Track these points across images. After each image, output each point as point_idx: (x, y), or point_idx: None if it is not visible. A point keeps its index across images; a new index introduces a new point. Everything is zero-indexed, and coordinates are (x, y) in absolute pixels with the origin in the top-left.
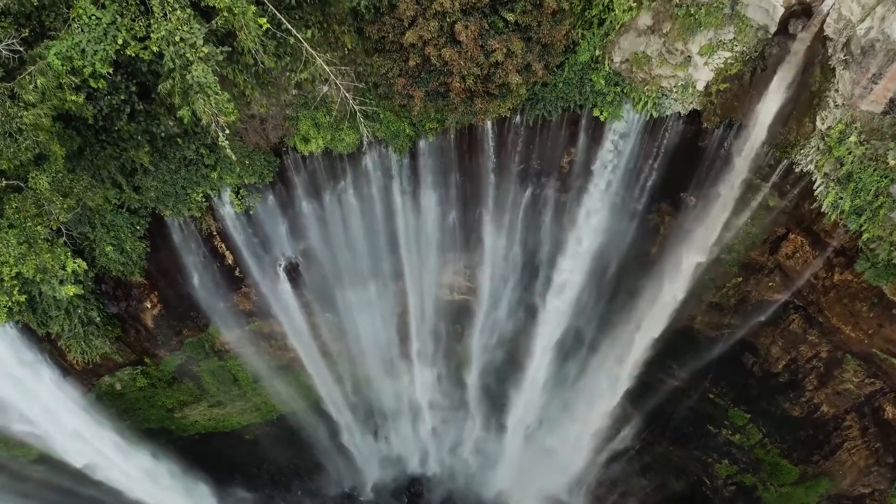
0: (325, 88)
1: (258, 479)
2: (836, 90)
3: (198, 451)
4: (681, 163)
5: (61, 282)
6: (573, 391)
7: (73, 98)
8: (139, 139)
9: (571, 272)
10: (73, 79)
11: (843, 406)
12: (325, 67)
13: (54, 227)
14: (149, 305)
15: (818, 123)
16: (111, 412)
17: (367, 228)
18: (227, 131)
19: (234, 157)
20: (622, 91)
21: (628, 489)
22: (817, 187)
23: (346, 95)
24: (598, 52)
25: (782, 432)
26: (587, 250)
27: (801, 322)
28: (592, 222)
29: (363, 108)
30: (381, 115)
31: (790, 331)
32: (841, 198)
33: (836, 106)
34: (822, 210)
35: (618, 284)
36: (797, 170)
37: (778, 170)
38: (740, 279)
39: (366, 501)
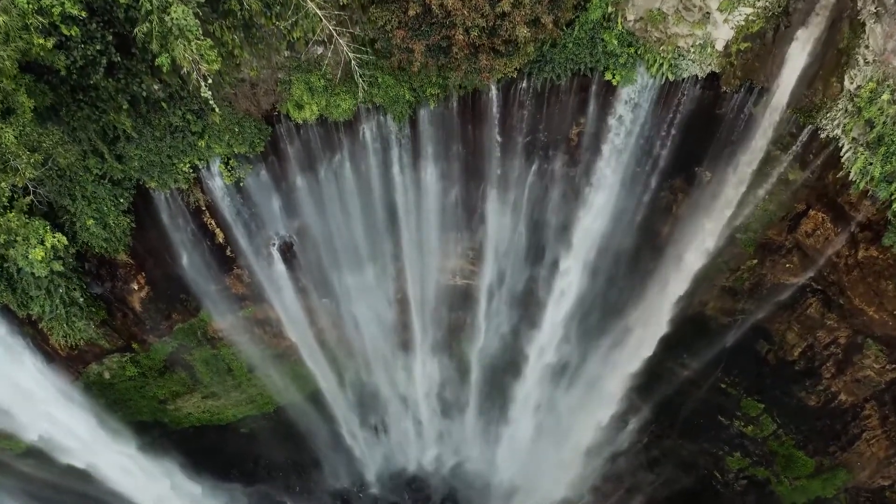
0: (320, 50)
1: (254, 474)
2: (867, 46)
3: (192, 446)
4: (696, 133)
5: (30, 247)
6: (579, 381)
7: (41, 42)
8: (119, 100)
9: (579, 255)
10: (41, 19)
11: (862, 394)
12: (318, 12)
13: (20, 185)
14: (136, 287)
15: (846, 83)
16: (100, 403)
17: (364, 205)
18: (210, 81)
19: (217, 109)
20: (636, 52)
21: (635, 484)
22: (844, 153)
23: (339, 41)
24: (610, 10)
25: (797, 423)
26: (596, 230)
27: (818, 306)
28: (601, 200)
29: (359, 56)
30: (380, 79)
31: (807, 315)
32: (870, 164)
33: (867, 63)
34: (850, 179)
35: (627, 268)
36: (822, 136)
37: (801, 138)
38: (756, 261)
39: (366, 498)
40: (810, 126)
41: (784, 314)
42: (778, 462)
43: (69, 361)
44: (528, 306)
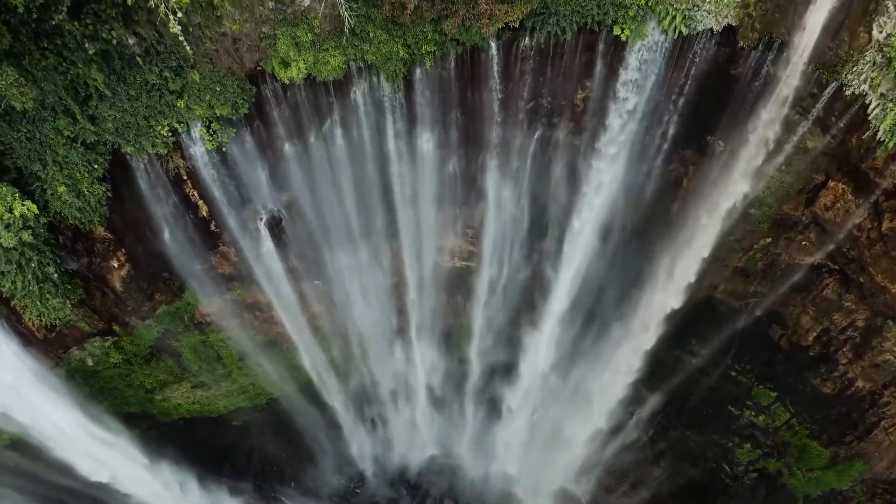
0: (307, 1)
1: (247, 469)
2: None
3: (183, 438)
4: (709, 98)
5: None
6: (583, 370)
7: None
8: (87, 48)
9: (584, 232)
10: None
11: (881, 380)
12: None
13: None
14: (115, 264)
15: (875, 33)
16: (84, 392)
17: (356, 177)
18: (180, 15)
19: (189, 50)
20: (646, 3)
21: (640, 478)
22: (871, 111)
23: None
24: None
25: (812, 411)
26: (602, 205)
27: (835, 286)
28: (608, 172)
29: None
30: (371, 34)
31: (823, 297)
32: None
33: None
34: (877, 139)
35: (635, 248)
36: (847, 93)
37: (823, 97)
38: (769, 239)
39: (362, 494)
40: (834, 83)
41: (798, 297)
42: (790, 453)
43: (48, 345)
44: (530, 291)
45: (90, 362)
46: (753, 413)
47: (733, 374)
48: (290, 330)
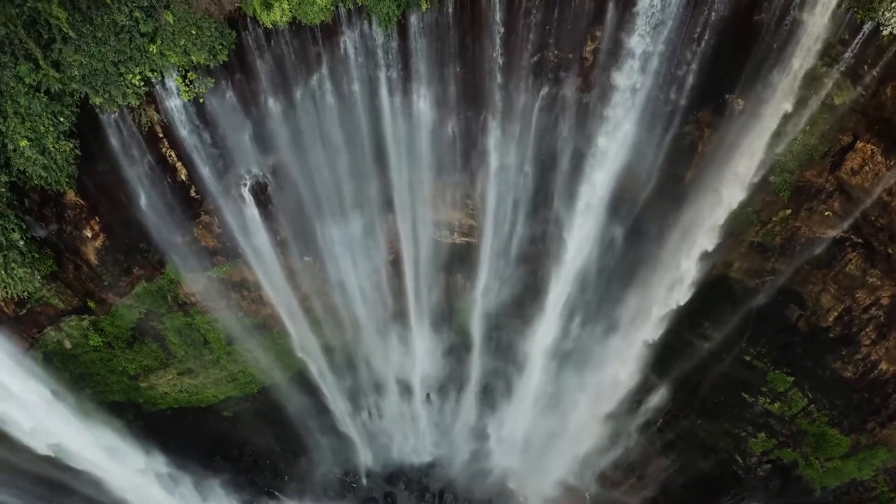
0: None
1: (240, 461)
2: None
3: (171, 430)
4: (729, 50)
5: None
6: (589, 356)
7: None
8: None
9: (591, 204)
10: None
11: None
12: None
13: None
14: (89, 234)
15: None
16: (64, 377)
17: (348, 139)
18: None
19: None
20: None
21: (648, 471)
22: None
23: None
24: None
25: (831, 397)
26: (611, 171)
27: (859, 261)
28: (619, 134)
29: None
30: None
31: (846, 273)
32: None
33: None
34: None
35: (645, 220)
36: (884, 34)
37: (855, 43)
38: (789, 211)
39: (358, 488)
40: (869, 22)
41: (818, 274)
42: (807, 442)
43: (20, 324)
44: (534, 267)
45: (68, 344)
46: (768, 400)
47: (747, 358)
48: (280, 311)
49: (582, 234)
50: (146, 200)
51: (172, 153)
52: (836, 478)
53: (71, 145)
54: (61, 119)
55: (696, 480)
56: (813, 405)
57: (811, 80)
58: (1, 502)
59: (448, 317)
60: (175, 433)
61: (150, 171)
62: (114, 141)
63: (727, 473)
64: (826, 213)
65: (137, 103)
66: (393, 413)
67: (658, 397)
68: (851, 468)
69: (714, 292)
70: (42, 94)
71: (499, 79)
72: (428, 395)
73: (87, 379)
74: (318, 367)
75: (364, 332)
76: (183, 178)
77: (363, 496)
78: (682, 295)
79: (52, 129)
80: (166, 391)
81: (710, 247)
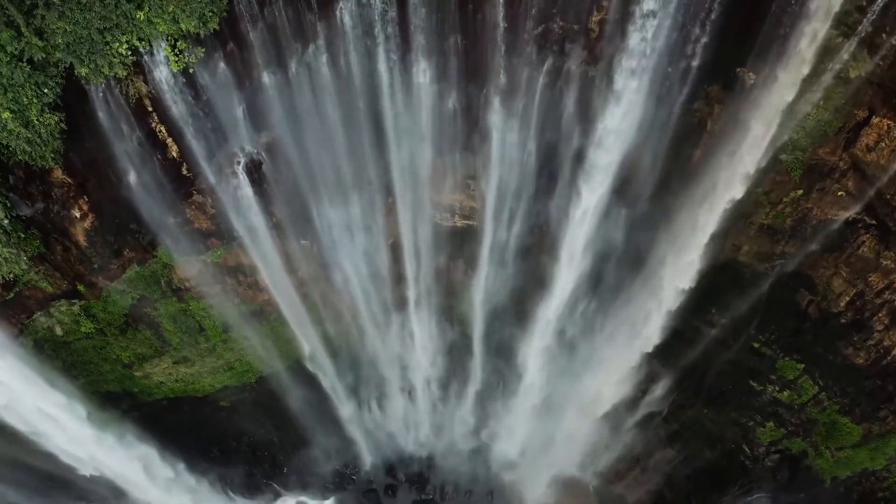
0: None
1: (238, 453)
2: None
3: (167, 420)
4: (741, 20)
5: None
6: (593, 347)
7: None
8: None
9: (596, 183)
10: None
11: None
12: None
13: None
14: (77, 214)
15: None
16: (56, 365)
17: (345, 115)
18: None
19: None
20: None
21: (652, 462)
22: None
23: None
24: None
25: (842, 384)
26: (618, 149)
27: (873, 243)
28: (625, 108)
29: None
30: None
31: (858, 256)
32: None
33: None
34: None
35: (651, 202)
36: None
37: (873, 9)
38: (801, 191)
39: (359, 480)
40: None
41: (830, 257)
42: (818, 431)
43: (8, 309)
44: (537, 253)
45: (59, 331)
46: (777, 388)
47: (756, 345)
48: (277, 298)
49: (587, 215)
50: (136, 178)
51: (162, 128)
52: (847, 468)
53: (56, 118)
54: (45, 90)
55: (701, 472)
56: (823, 393)
57: (826, 52)
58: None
59: (449, 304)
60: (171, 424)
61: (139, 147)
62: (101, 115)
63: (734, 464)
64: (839, 193)
65: (125, 74)
66: (393, 403)
67: (663, 387)
68: (863, 458)
69: (722, 277)
70: (25, 64)
71: (501, 51)
72: (429, 385)
73: (79, 367)
74: (316, 356)
75: (363, 318)
76: (174, 154)
77: (363, 488)
78: (688, 279)
79: (35, 100)
80: (162, 380)
81: (715, 230)
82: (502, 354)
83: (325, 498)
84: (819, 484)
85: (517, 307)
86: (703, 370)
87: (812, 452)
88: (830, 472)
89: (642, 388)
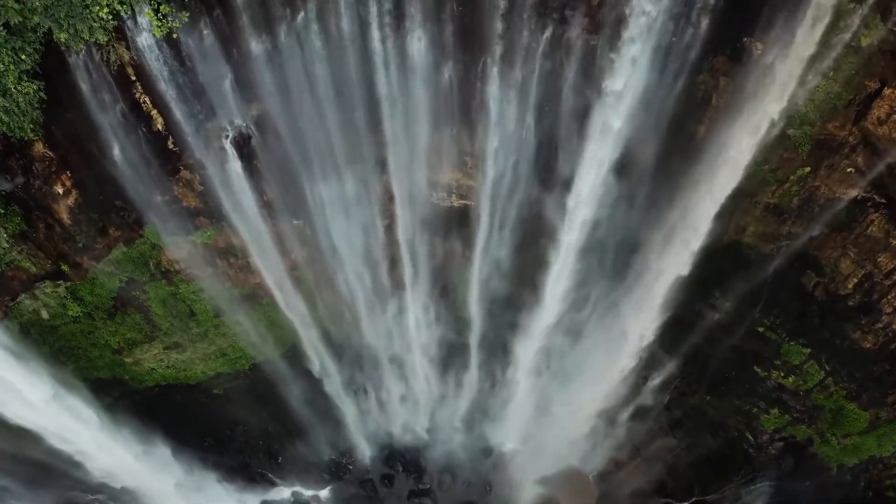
0: None
1: (231, 442)
2: None
3: (159, 408)
4: None
5: None
6: (593, 331)
7: None
8: None
9: (598, 156)
10: None
11: None
12: None
13: None
14: (60, 190)
15: None
16: (43, 351)
17: (337, 86)
18: None
19: None
20: None
21: (654, 450)
22: None
23: None
24: None
25: (850, 369)
26: (620, 124)
27: (882, 222)
28: (627, 80)
29: None
30: None
31: (867, 236)
32: None
33: None
34: None
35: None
36: None
37: None
38: (808, 169)
39: (355, 470)
40: None
41: (838, 237)
42: (823, 418)
43: None
44: (536, 235)
45: (45, 315)
46: (782, 374)
47: (761, 329)
48: (269, 281)
49: (588, 193)
50: (120, 153)
51: (147, 99)
52: (853, 455)
53: (35, 87)
54: (23, 57)
55: (704, 460)
56: (830, 378)
57: (837, 18)
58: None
59: (446, 287)
60: (163, 413)
61: (123, 119)
62: (82, 84)
63: (737, 452)
64: (848, 170)
65: (106, 40)
66: (390, 391)
67: (665, 373)
68: (870, 444)
69: (726, 259)
70: (1, 28)
71: (499, 19)
72: (426, 371)
73: (68, 353)
74: (310, 341)
75: (358, 303)
76: (159, 127)
77: (360, 478)
78: (690, 261)
79: (12, 67)
80: (153, 366)
81: (719, 210)
82: (501, 338)
83: (321, 488)
84: (825, 472)
85: (516, 288)
86: (705, 356)
87: (817, 440)
88: (837, 459)
89: (644, 375)
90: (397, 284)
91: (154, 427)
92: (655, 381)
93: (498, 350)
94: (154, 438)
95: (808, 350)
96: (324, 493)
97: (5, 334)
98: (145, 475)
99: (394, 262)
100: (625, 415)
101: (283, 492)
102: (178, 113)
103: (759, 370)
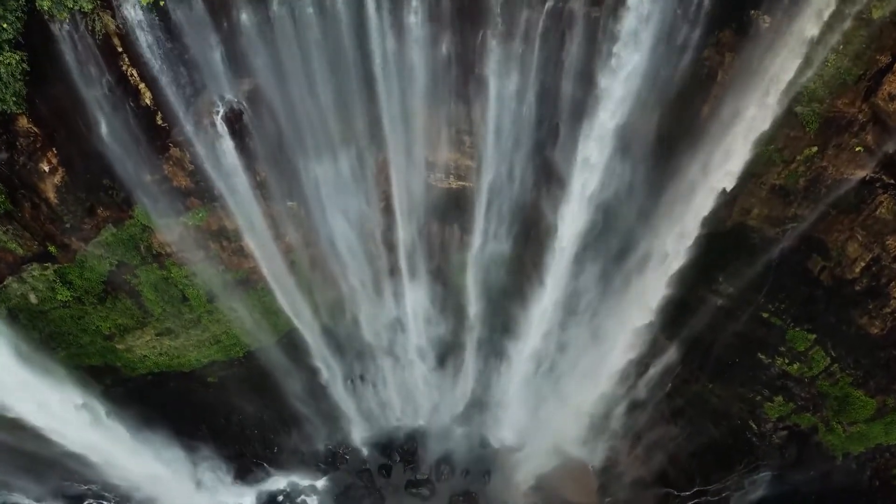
0: None
1: (227, 431)
2: None
3: (153, 396)
4: None
5: None
6: (593, 316)
7: None
8: None
9: (600, 134)
10: None
11: None
12: None
13: None
14: (46, 168)
15: None
16: (33, 336)
17: (331, 60)
18: None
19: None
20: None
21: (655, 439)
22: None
23: None
24: None
25: (856, 355)
26: (623, 100)
27: (891, 204)
28: (630, 54)
29: None
30: None
31: (875, 218)
32: None
33: None
34: None
35: (657, 159)
36: None
37: None
38: (815, 148)
39: (352, 460)
40: None
41: (845, 220)
42: (829, 406)
43: None
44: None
45: (34, 299)
46: (787, 361)
47: (765, 315)
48: (263, 265)
49: (589, 172)
50: (107, 128)
51: (134, 72)
52: (860, 443)
53: (17, 57)
54: (4, 25)
55: (706, 448)
56: (836, 365)
57: None
58: None
59: (443, 271)
60: (156, 401)
61: (109, 92)
62: (68, 57)
63: (740, 441)
64: (857, 149)
65: (90, 8)
66: (386, 379)
67: (667, 360)
68: (877, 432)
69: (730, 242)
70: None
71: None
72: (423, 357)
73: (58, 339)
74: (305, 329)
75: (353, 287)
76: (147, 101)
77: (357, 468)
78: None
79: None
80: (145, 354)
81: (723, 191)
82: (499, 324)
83: (318, 478)
84: (830, 461)
85: (515, 273)
86: (708, 342)
87: (822, 428)
88: (842, 447)
89: (645, 363)
90: (394, 267)
91: (149, 415)
92: (656, 368)
93: (497, 335)
94: (148, 427)
95: (814, 336)
96: (320, 483)
97: None
98: (139, 466)
99: (390, 246)
100: (626, 403)
101: (280, 481)
102: (166, 87)
103: (763, 357)
